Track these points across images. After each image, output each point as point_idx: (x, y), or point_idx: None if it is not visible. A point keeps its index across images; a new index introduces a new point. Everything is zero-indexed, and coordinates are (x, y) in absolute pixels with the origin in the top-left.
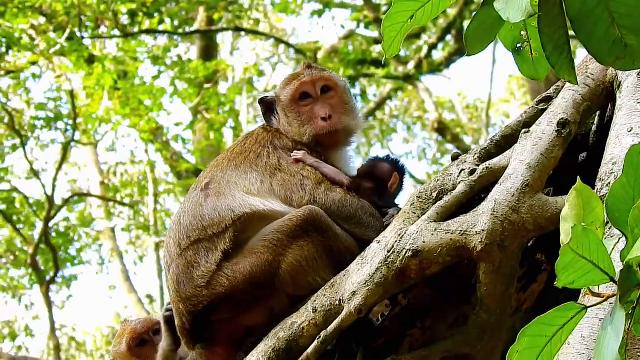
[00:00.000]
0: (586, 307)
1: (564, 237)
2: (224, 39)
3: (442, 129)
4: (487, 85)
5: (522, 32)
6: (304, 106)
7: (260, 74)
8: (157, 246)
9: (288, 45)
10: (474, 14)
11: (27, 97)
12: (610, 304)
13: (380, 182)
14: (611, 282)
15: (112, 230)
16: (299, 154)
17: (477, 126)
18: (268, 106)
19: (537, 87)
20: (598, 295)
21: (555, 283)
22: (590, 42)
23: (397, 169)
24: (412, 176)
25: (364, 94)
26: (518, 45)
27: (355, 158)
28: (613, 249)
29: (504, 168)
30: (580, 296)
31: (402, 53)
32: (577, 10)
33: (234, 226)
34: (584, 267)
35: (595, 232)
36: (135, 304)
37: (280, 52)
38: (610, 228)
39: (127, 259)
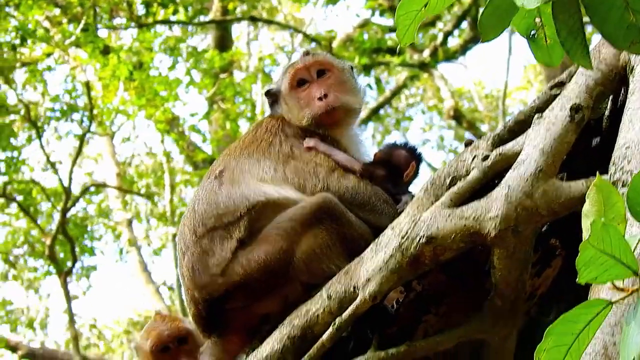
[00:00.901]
0: (611, 303)
1: (585, 233)
2: (241, 30)
3: (458, 116)
4: (504, 73)
5: (536, 19)
6: (301, 91)
7: (274, 62)
8: (174, 237)
9: (303, 34)
10: (488, 0)
11: (42, 89)
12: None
13: (396, 169)
14: (635, 276)
15: (129, 221)
16: (311, 142)
17: (493, 114)
18: (274, 97)
19: (553, 74)
20: (622, 289)
21: (577, 280)
22: (604, 27)
23: (414, 157)
24: (429, 165)
25: (378, 82)
26: (532, 32)
27: (365, 142)
28: (638, 243)
29: (517, 154)
30: (599, 286)
31: (417, 40)
32: None
33: (249, 214)
34: (606, 263)
35: (616, 227)
36: (153, 294)
37: (296, 42)
38: (632, 221)
39: (144, 250)
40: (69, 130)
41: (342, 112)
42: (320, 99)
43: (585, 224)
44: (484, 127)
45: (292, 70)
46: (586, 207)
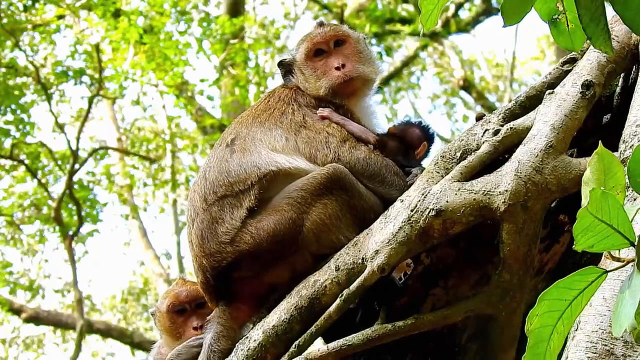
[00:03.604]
0: (606, 272)
1: (584, 201)
2: None
3: (467, 87)
4: (512, 43)
5: (558, 4)
6: (318, 61)
7: (277, 30)
8: (175, 202)
9: (315, 1)
10: None
11: (50, 51)
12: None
13: (408, 146)
14: (632, 247)
15: (130, 186)
16: (325, 111)
17: (502, 85)
18: (287, 68)
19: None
20: (618, 259)
21: (574, 246)
22: (626, 12)
23: (427, 137)
24: (438, 135)
25: (388, 50)
26: (554, 17)
27: (377, 113)
28: (636, 213)
29: (528, 129)
30: (602, 259)
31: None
32: None
33: (260, 183)
34: (604, 231)
35: (615, 196)
36: (152, 260)
37: (302, 9)
38: (631, 192)
39: (144, 215)
40: (81, 95)
41: (360, 82)
42: (337, 68)
43: (585, 192)
44: (492, 98)
45: (310, 41)
46: (587, 175)
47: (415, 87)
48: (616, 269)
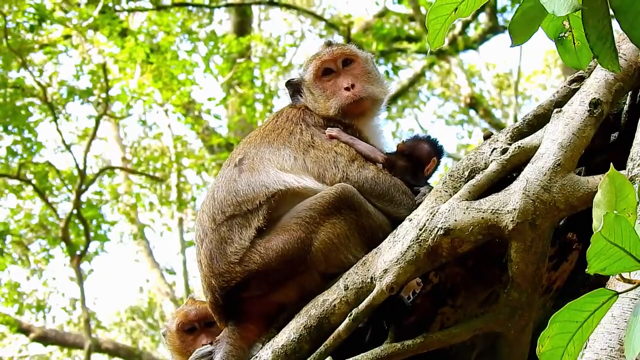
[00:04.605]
0: (617, 293)
1: (596, 224)
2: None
3: (474, 104)
4: (517, 59)
5: (565, 22)
6: (327, 81)
7: (284, 49)
8: (181, 221)
9: (322, 20)
10: (517, 5)
11: (54, 71)
12: None
13: (418, 162)
14: None
15: (134, 205)
16: (333, 131)
17: (506, 99)
18: (295, 88)
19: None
20: (629, 281)
21: (587, 270)
22: (633, 31)
23: (436, 152)
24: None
25: (395, 69)
26: (560, 35)
27: (384, 132)
28: None
29: (536, 147)
30: (611, 279)
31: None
32: (620, 0)
33: (268, 203)
34: (616, 254)
35: (627, 219)
36: (158, 279)
37: (310, 27)
38: None
39: (150, 234)
40: (89, 116)
41: (369, 102)
42: (347, 89)
43: (597, 214)
44: (497, 113)
45: (318, 61)
46: (598, 197)
47: (421, 104)
48: (626, 290)
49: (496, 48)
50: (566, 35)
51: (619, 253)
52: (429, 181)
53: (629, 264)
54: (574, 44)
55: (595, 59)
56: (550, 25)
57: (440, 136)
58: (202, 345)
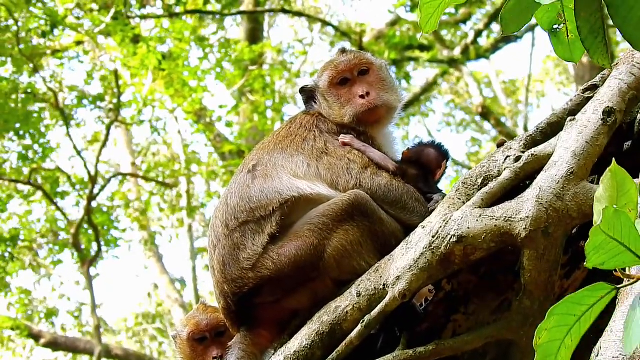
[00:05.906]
0: (616, 288)
1: (597, 218)
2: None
3: (485, 113)
4: (526, 66)
5: (559, 14)
6: (342, 89)
7: (296, 56)
8: (190, 228)
9: (334, 27)
10: None
11: (62, 77)
12: None
13: (426, 168)
14: None
15: (144, 211)
16: (346, 138)
17: (514, 108)
18: (309, 94)
19: (582, 74)
20: (629, 276)
21: (585, 263)
22: (624, 27)
23: (443, 156)
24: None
25: (407, 77)
26: (554, 27)
27: (397, 140)
28: None
29: (549, 155)
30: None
31: (448, 37)
32: None
33: (281, 209)
34: (615, 249)
35: (628, 214)
36: (167, 285)
37: (320, 34)
38: None
39: (159, 239)
40: (99, 118)
41: (384, 110)
42: (362, 97)
43: (597, 208)
44: (508, 122)
45: (334, 69)
46: (599, 192)
47: (429, 111)
48: (625, 285)
49: (507, 57)
50: (560, 27)
51: (618, 248)
52: (440, 188)
53: (628, 259)
54: (568, 36)
55: (593, 59)
56: (544, 17)
57: (448, 143)
58: (212, 356)
